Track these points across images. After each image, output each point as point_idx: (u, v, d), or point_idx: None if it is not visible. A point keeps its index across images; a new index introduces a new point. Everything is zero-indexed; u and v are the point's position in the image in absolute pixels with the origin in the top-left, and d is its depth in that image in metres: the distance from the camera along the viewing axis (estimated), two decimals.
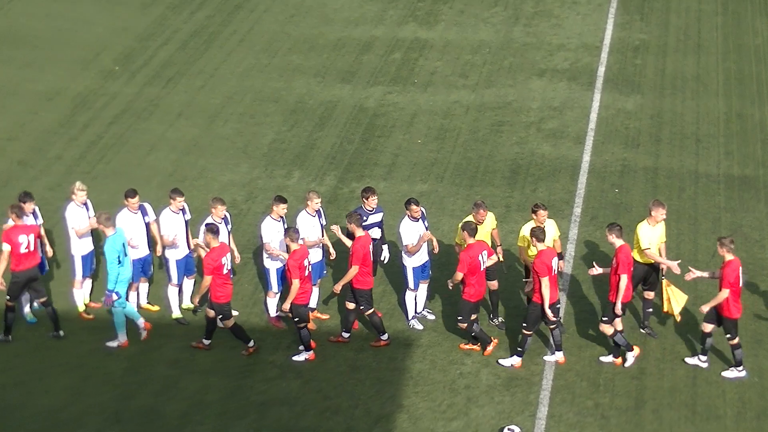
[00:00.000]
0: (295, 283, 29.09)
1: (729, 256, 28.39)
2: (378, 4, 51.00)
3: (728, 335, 28.75)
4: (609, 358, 29.49)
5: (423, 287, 31.23)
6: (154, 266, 31.93)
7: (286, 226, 30.68)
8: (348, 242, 30.16)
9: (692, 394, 28.50)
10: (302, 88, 43.87)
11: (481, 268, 29.30)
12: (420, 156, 39.10)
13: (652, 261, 29.84)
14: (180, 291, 31.70)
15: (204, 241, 29.82)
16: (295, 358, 30.03)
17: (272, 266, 31.00)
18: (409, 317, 31.19)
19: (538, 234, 28.95)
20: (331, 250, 31.24)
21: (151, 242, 31.42)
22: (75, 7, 51.16)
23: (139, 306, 31.70)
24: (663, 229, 30.09)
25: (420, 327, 30.79)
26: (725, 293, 28.26)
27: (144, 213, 31.17)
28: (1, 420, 28.17)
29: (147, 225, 31.19)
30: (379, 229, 31.30)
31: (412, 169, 38.35)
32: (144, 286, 31.94)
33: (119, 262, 30.09)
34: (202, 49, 47.12)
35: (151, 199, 34.67)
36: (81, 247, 31.42)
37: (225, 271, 29.45)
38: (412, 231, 30.44)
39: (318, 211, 31.07)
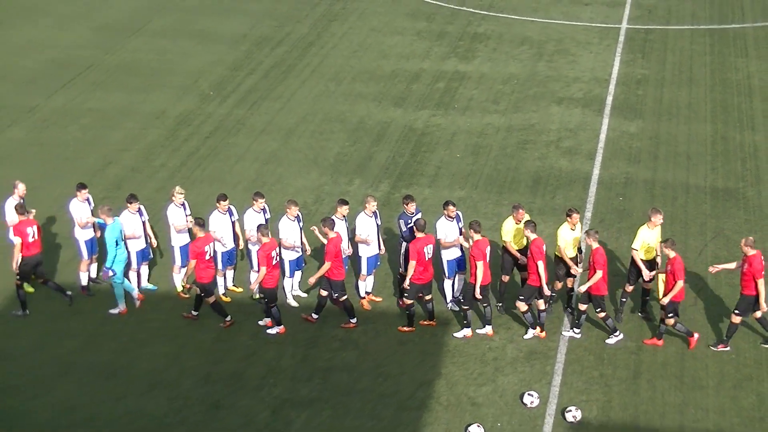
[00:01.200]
0: (263, 270, 29.24)
1: (671, 254, 28.52)
2: (426, 42, 50.92)
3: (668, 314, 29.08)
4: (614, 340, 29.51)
5: (458, 276, 31.15)
6: (237, 257, 31.97)
7: (347, 224, 30.74)
8: (324, 240, 30.09)
9: (680, 368, 28.42)
10: (363, 110, 43.84)
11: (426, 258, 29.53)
12: (458, 168, 39.04)
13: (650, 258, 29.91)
14: (225, 277, 31.78)
15: (257, 236, 29.90)
16: (269, 331, 30.18)
17: (363, 254, 31.12)
18: (447, 300, 31.14)
19: (532, 227, 29.42)
20: (382, 246, 31.31)
21: (236, 238, 31.51)
22: (178, 44, 51.25)
23: (225, 288, 31.80)
24: (659, 232, 29.99)
25: (456, 308, 30.73)
26: (680, 285, 28.52)
27: (231, 214, 31.24)
28: (111, 380, 28.32)
29: (233, 223, 31.26)
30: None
31: (451, 178, 38.30)
32: (230, 273, 31.99)
33: (116, 245, 30.35)
34: (281, 78, 47.13)
35: (237, 200, 34.78)
36: (179, 240, 31.49)
37: (274, 263, 29.53)
38: (445, 228, 30.38)
39: (374, 213, 31.05)
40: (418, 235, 29.55)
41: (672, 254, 28.56)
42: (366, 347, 29.51)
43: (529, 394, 27.20)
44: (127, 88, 46.28)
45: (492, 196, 36.92)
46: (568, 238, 29.88)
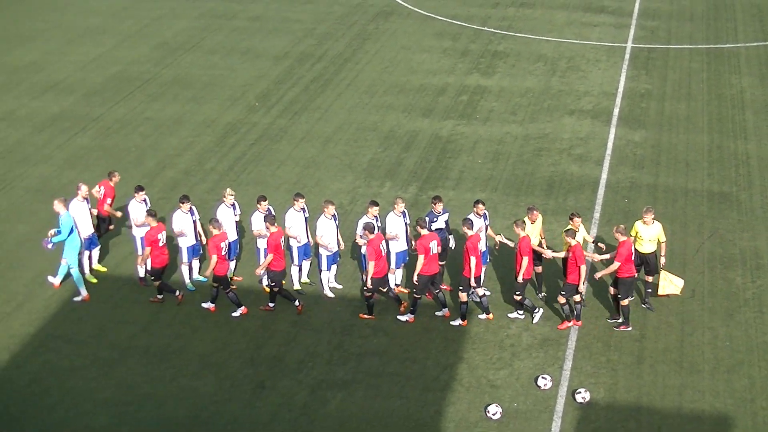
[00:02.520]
0: (214, 259, 29.40)
1: (622, 238, 28.76)
2: (451, 59, 50.78)
3: (619, 294, 29.22)
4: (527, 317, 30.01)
5: (481, 270, 30.99)
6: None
7: (378, 223, 30.65)
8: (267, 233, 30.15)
9: (680, 354, 28.27)
10: (393, 120, 43.73)
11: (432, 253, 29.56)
12: (480, 172, 38.89)
13: (648, 252, 29.72)
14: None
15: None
16: (234, 314, 30.23)
17: (393, 250, 30.91)
18: (470, 292, 30.98)
19: (521, 224, 29.49)
20: (412, 242, 31.17)
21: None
22: (227, 59, 51.28)
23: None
24: (659, 230, 29.74)
25: (477, 299, 30.57)
26: (617, 265, 28.73)
27: (270, 213, 31.14)
28: (165, 362, 28.34)
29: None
30: (446, 224, 31.12)
31: (473, 182, 38.14)
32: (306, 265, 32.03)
33: (70, 232, 30.49)
34: (319, 91, 47.06)
35: (279, 201, 34.97)
36: (230, 237, 31.38)
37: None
38: (474, 225, 30.27)
39: (403, 212, 30.93)
40: (423, 232, 29.47)
41: (470, 233, 29.03)
42: (395, 334, 29.41)
43: (542, 377, 27.11)
44: (181, 100, 46.32)
45: (510, 198, 36.77)
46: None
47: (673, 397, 26.68)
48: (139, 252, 31.64)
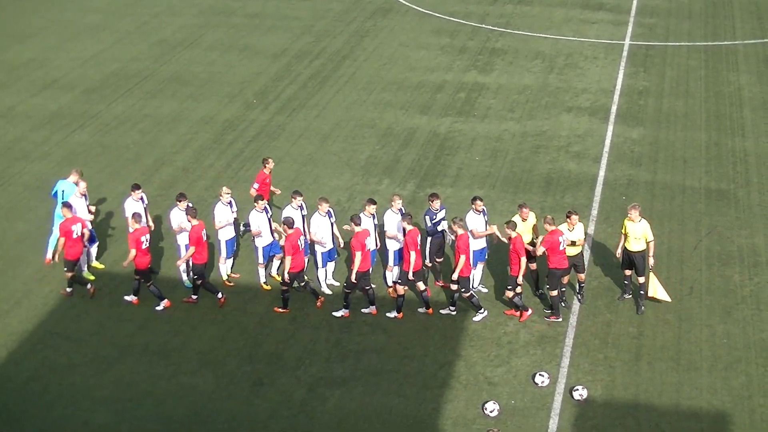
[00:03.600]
0: (132, 252, 29.68)
1: (550, 228, 29.19)
2: (449, 56, 50.78)
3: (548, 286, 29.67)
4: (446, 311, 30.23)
5: (480, 267, 31.02)
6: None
7: (375, 221, 30.66)
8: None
9: (677, 351, 28.29)
10: (391, 117, 43.73)
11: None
12: (477, 170, 38.89)
13: (637, 250, 29.72)
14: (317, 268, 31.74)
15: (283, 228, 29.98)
16: (157, 308, 30.50)
17: (390, 248, 30.94)
18: (472, 288, 30.96)
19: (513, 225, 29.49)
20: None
21: (274, 232, 31.46)
22: (225, 57, 51.27)
23: (269, 275, 31.73)
24: (646, 228, 29.60)
25: (476, 297, 30.61)
26: (541, 250, 29.20)
27: (267, 212, 31.14)
28: (165, 359, 28.38)
29: (269, 220, 31.14)
30: (445, 222, 31.12)
31: (471, 179, 38.14)
32: (276, 263, 31.93)
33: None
34: (317, 88, 47.06)
35: (277, 198, 34.93)
36: (226, 234, 31.44)
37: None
38: (474, 221, 30.28)
39: (400, 210, 30.93)
40: (357, 230, 29.61)
41: (460, 231, 29.17)
42: (393, 332, 29.44)
43: (540, 375, 27.13)
44: (180, 97, 46.32)
45: (508, 195, 36.76)
46: (567, 237, 29.77)
47: (671, 395, 26.70)
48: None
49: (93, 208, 32.94)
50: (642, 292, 29.93)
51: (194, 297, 30.66)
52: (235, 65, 50.15)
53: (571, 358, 28.12)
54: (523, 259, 29.05)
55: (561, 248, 29.25)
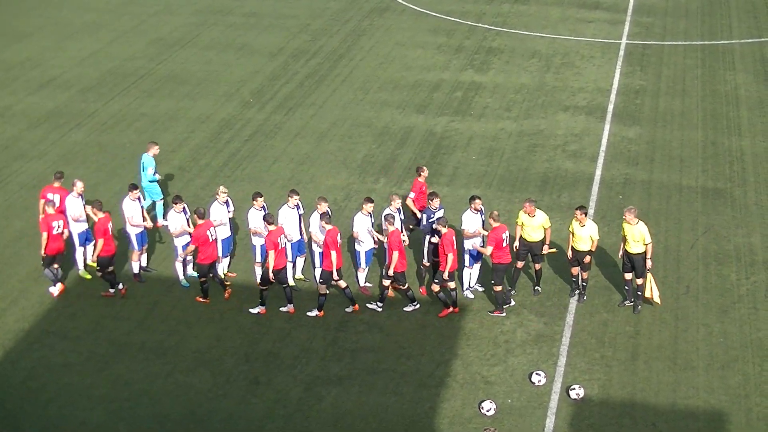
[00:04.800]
0: (100, 242, 30.05)
1: (495, 224, 29.41)
2: (445, 55, 50.76)
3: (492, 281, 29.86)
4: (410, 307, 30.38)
5: (476, 266, 31.00)
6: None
7: (372, 220, 30.65)
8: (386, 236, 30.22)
9: (674, 350, 28.28)
10: (388, 117, 43.70)
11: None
12: (474, 169, 38.88)
13: (637, 252, 29.64)
14: (294, 266, 31.65)
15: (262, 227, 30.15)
16: (252, 310, 30.39)
17: (361, 249, 30.87)
18: (464, 288, 30.97)
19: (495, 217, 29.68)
20: (406, 238, 31.12)
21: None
22: (222, 56, 51.23)
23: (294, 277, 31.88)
24: (644, 230, 29.48)
25: (472, 296, 30.59)
26: (489, 249, 29.48)
27: (265, 210, 31.06)
28: (161, 358, 28.35)
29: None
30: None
31: (468, 178, 38.13)
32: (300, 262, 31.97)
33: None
34: (314, 87, 47.03)
35: (274, 197, 34.97)
36: (223, 233, 31.41)
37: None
38: (471, 221, 30.27)
39: (398, 209, 30.93)
40: (271, 228, 29.57)
41: (444, 230, 29.32)
42: (390, 330, 29.42)
43: (536, 374, 27.12)
44: (176, 96, 46.28)
45: (504, 194, 36.75)
46: (577, 233, 29.95)
47: (668, 394, 26.68)
48: (136, 248, 31.61)
49: (89, 208, 32.93)
50: (639, 293, 29.92)
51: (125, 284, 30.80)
52: (232, 64, 50.13)
53: (567, 357, 28.11)
54: (450, 256, 29.12)
55: (504, 244, 29.46)
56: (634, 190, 36.98)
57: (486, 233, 30.30)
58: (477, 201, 30.47)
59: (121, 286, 30.90)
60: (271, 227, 29.61)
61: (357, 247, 30.95)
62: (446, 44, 52.33)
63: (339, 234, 29.72)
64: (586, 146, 40.55)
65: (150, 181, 34.52)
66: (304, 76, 48.34)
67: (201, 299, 30.64)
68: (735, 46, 51.66)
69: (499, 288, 29.65)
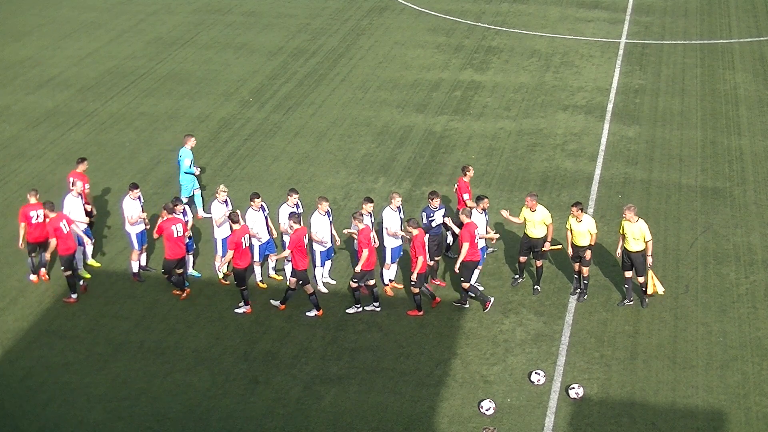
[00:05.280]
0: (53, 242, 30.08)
1: (467, 221, 29.56)
2: (444, 54, 50.75)
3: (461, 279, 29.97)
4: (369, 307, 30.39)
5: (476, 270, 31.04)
6: (277, 247, 31.85)
7: (372, 219, 30.64)
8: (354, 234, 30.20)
9: (673, 349, 28.28)
10: (387, 116, 43.70)
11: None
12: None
13: (636, 250, 29.62)
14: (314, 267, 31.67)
15: (288, 225, 29.98)
16: (237, 310, 30.35)
17: (388, 245, 30.97)
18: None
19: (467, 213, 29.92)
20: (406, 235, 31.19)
21: (270, 231, 31.36)
22: (221, 55, 51.23)
23: (268, 276, 31.72)
24: (644, 227, 29.50)
25: (358, 292, 30.47)
26: (466, 246, 29.27)
27: (263, 210, 31.07)
28: (160, 357, 28.35)
29: (266, 218, 31.05)
30: (447, 218, 31.10)
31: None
32: (272, 262, 31.90)
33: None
34: (313, 86, 47.03)
35: (273, 196, 35.01)
36: (221, 233, 31.39)
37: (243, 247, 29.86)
38: (479, 221, 30.27)
39: (399, 208, 30.92)
40: (236, 227, 29.73)
41: (415, 232, 29.34)
42: (389, 330, 29.41)
43: (536, 373, 27.12)
44: (176, 95, 46.28)
45: (504, 193, 36.75)
46: (575, 229, 29.98)
47: (667, 393, 26.68)
48: (136, 248, 31.61)
49: (89, 207, 32.92)
50: (643, 290, 29.93)
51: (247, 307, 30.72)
52: (231, 63, 50.12)
53: (567, 357, 28.10)
54: (420, 258, 29.23)
55: (475, 241, 29.52)
56: (633, 189, 36.98)
57: (491, 237, 30.49)
58: (485, 200, 30.57)
59: (81, 282, 31.12)
60: (236, 226, 29.67)
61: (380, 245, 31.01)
62: (445, 43, 52.34)
63: (306, 235, 29.75)
64: (586, 145, 40.56)
65: (186, 173, 34.80)
66: (303, 76, 48.33)
67: (242, 308, 30.50)
68: (734, 45, 51.67)
69: (467, 285, 29.79)
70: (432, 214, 30.74)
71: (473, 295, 30.16)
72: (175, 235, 30.03)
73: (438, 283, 31.41)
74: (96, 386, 27.20)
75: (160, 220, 30.49)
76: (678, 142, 40.83)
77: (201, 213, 34.76)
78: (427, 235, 30.77)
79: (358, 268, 29.49)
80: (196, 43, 53.03)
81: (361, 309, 30.15)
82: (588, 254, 30.06)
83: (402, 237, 30.82)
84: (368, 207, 30.54)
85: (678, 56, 50.20)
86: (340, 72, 48.75)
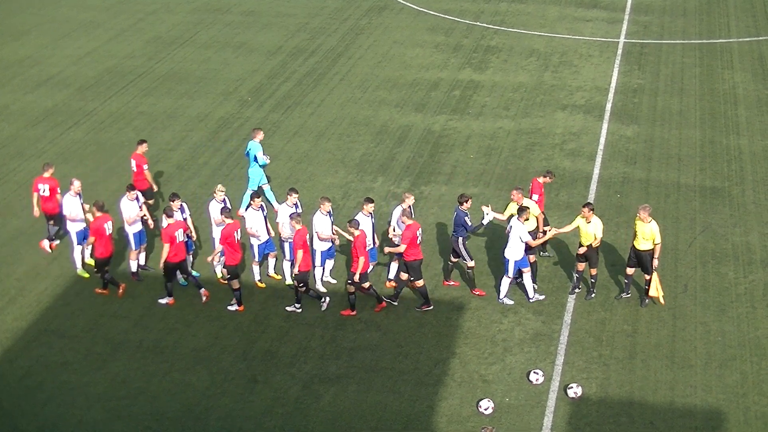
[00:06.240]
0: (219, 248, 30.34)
1: (409, 222, 29.56)
2: (443, 54, 50.75)
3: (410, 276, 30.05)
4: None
5: (527, 276, 30.88)
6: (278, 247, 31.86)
7: (373, 220, 30.65)
8: (350, 237, 30.07)
9: (671, 349, 28.28)
10: (386, 115, 43.70)
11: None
12: (472, 167, 38.87)
13: (645, 249, 29.62)
14: (292, 265, 31.62)
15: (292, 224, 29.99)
16: (160, 300, 30.59)
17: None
18: (529, 297, 30.62)
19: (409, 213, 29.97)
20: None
21: (269, 230, 31.37)
22: (220, 54, 51.22)
23: (267, 275, 31.72)
24: (655, 229, 29.49)
25: (312, 291, 30.34)
26: (402, 247, 29.51)
27: (263, 210, 31.09)
28: (159, 357, 28.35)
29: (265, 218, 31.07)
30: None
31: (466, 177, 38.13)
32: (272, 261, 31.87)
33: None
34: (312, 86, 47.03)
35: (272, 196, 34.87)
36: (219, 233, 31.42)
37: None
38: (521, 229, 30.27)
39: (410, 206, 30.75)
40: (170, 222, 29.84)
41: (357, 233, 29.34)
42: (388, 329, 29.42)
43: (534, 372, 27.11)
44: (174, 94, 46.28)
45: (503, 193, 36.71)
46: (583, 230, 30.03)
47: (665, 392, 26.69)
48: (133, 247, 31.62)
49: (87, 207, 32.94)
50: (646, 288, 29.94)
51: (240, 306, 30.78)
52: (230, 63, 50.12)
53: (565, 356, 28.10)
54: (362, 259, 29.21)
55: (418, 242, 29.63)
56: (632, 189, 36.99)
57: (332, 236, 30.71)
58: (468, 200, 30.58)
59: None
60: (170, 220, 29.80)
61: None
62: (444, 43, 52.34)
63: (308, 234, 29.79)
64: (585, 145, 40.56)
65: (261, 165, 35.08)
66: (302, 75, 48.33)
67: (164, 299, 30.75)
68: (733, 44, 51.67)
69: (421, 282, 29.83)
70: (468, 216, 30.47)
71: (424, 296, 30.17)
72: (178, 240, 30.03)
73: (452, 283, 31.35)
74: (95, 385, 27.20)
75: (164, 222, 30.36)
76: (677, 141, 40.84)
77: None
78: (461, 238, 30.53)
79: (356, 277, 29.41)
80: (195, 43, 53.03)
81: (300, 309, 30.23)
82: (582, 249, 30.06)
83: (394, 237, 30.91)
84: (369, 207, 30.50)
85: (677, 56, 50.21)
86: (339, 71, 48.75)
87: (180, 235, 29.84)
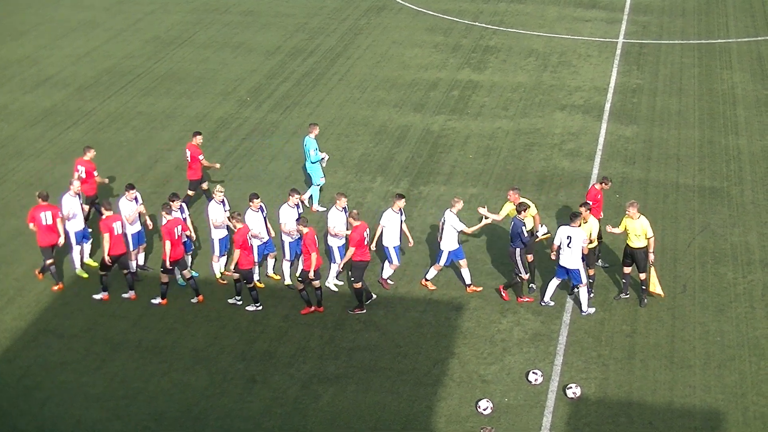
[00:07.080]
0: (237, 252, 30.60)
1: (356, 223, 29.68)
2: (442, 54, 50.75)
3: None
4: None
5: (463, 263, 30.96)
6: (277, 247, 31.83)
7: (403, 217, 30.68)
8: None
9: (670, 349, 28.28)
10: (385, 115, 43.69)
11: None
12: (471, 167, 38.86)
13: (638, 247, 29.64)
14: (291, 265, 31.64)
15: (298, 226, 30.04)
16: (153, 301, 30.72)
17: (389, 244, 30.83)
18: (542, 300, 30.55)
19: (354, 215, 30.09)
20: (410, 238, 31.21)
21: (269, 231, 31.35)
22: (219, 54, 51.20)
23: (266, 275, 31.73)
24: (646, 224, 29.52)
25: (255, 291, 30.36)
26: (352, 250, 29.64)
27: (262, 211, 31.08)
28: (158, 357, 28.33)
29: (265, 219, 31.06)
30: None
31: (465, 177, 38.12)
32: (271, 261, 31.87)
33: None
34: (311, 86, 47.01)
35: (271, 197, 34.97)
36: (218, 233, 31.43)
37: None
38: (454, 220, 30.29)
39: (400, 210, 30.79)
40: (356, 223, 29.84)
41: (305, 230, 29.37)
42: (386, 329, 29.40)
43: (533, 372, 27.11)
44: (173, 94, 46.25)
45: (501, 193, 36.63)
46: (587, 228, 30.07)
47: (664, 393, 26.68)
48: (132, 248, 31.59)
49: (87, 207, 32.94)
50: (643, 287, 29.94)
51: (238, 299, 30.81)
52: (229, 63, 50.10)
53: (564, 356, 28.10)
54: (314, 255, 29.25)
55: (365, 243, 29.70)
56: (631, 189, 36.98)
57: (347, 233, 30.61)
58: (402, 200, 30.72)
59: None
60: (168, 217, 29.99)
61: (385, 242, 30.84)
62: (443, 43, 52.34)
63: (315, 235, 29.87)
64: (583, 145, 40.56)
65: (313, 163, 35.30)
66: (301, 75, 48.32)
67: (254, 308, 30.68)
68: (732, 45, 51.68)
69: (359, 285, 29.83)
70: (525, 226, 29.97)
71: (359, 298, 30.18)
72: (176, 236, 30.02)
73: (476, 289, 31.20)
74: (93, 385, 27.19)
75: (162, 220, 30.39)
76: (675, 141, 40.84)
77: (315, 207, 34.88)
78: (520, 249, 30.06)
79: (311, 274, 29.45)
80: (194, 43, 53.02)
81: (241, 301, 30.43)
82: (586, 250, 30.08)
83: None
84: (400, 203, 30.44)
85: (675, 56, 50.22)
86: (338, 71, 48.74)
87: (178, 232, 29.82)
